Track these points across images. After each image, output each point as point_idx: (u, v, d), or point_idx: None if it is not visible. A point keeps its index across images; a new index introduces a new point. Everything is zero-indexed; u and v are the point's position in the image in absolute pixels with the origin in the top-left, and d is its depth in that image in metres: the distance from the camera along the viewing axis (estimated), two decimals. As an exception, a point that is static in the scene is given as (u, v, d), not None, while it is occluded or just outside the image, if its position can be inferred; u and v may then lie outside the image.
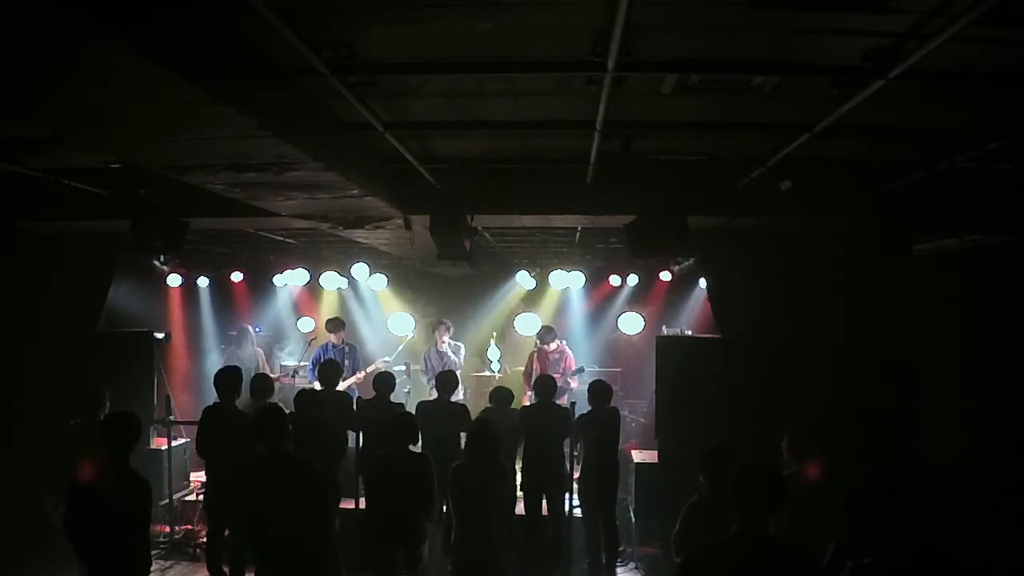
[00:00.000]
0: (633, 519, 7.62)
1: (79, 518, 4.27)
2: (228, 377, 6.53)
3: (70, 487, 4.33)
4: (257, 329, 11.31)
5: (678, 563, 3.55)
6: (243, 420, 6.01)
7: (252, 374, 8.55)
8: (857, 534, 3.13)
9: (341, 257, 11.53)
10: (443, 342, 9.78)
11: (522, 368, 10.12)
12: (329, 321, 9.84)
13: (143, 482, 4.31)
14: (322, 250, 11.09)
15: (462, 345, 10.07)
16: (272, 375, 8.89)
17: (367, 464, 5.88)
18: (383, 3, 3.25)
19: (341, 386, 7.77)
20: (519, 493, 6.77)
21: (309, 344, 10.53)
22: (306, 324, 11.98)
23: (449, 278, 12.29)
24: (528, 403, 8.55)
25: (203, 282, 11.83)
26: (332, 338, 9.57)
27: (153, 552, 6.33)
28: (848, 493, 3.22)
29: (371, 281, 11.96)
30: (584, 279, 11.76)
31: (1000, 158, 5.37)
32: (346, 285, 12.29)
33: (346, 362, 9.03)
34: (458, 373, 9.53)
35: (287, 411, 5.37)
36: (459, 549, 5.45)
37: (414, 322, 11.58)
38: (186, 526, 7.79)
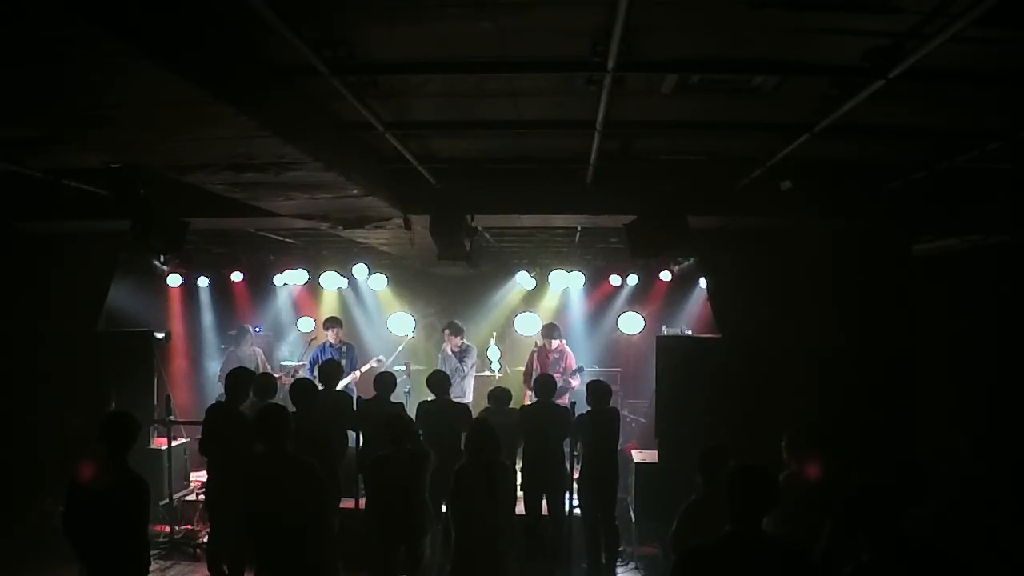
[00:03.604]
0: (633, 519, 7.62)
1: (78, 518, 4.28)
2: (239, 378, 6.53)
3: (69, 487, 4.33)
4: (257, 329, 11.31)
5: (673, 562, 3.55)
6: (246, 419, 6.01)
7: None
8: (853, 533, 3.13)
9: (341, 257, 11.53)
10: (449, 346, 9.65)
11: (522, 368, 10.11)
12: (327, 320, 9.86)
13: (142, 482, 4.31)
14: (322, 250, 11.09)
15: (473, 347, 9.86)
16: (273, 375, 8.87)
17: (367, 464, 5.88)
18: (383, 3, 3.25)
19: (339, 385, 7.75)
20: (519, 493, 6.77)
21: (309, 344, 10.54)
22: (306, 324, 11.99)
23: (449, 278, 12.29)
24: (528, 403, 8.55)
25: (203, 282, 11.85)
26: (329, 336, 9.59)
27: (153, 552, 6.34)
28: (846, 493, 3.23)
29: (371, 281, 11.96)
30: (584, 279, 11.77)
31: (1000, 158, 5.37)
32: (346, 285, 12.30)
33: (343, 361, 9.03)
34: (467, 378, 9.50)
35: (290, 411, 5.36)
36: (459, 549, 5.45)
37: (414, 322, 11.59)
38: (186, 526, 7.79)
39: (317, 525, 4.83)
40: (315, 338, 10.68)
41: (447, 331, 9.73)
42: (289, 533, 4.61)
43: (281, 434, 4.77)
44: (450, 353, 9.59)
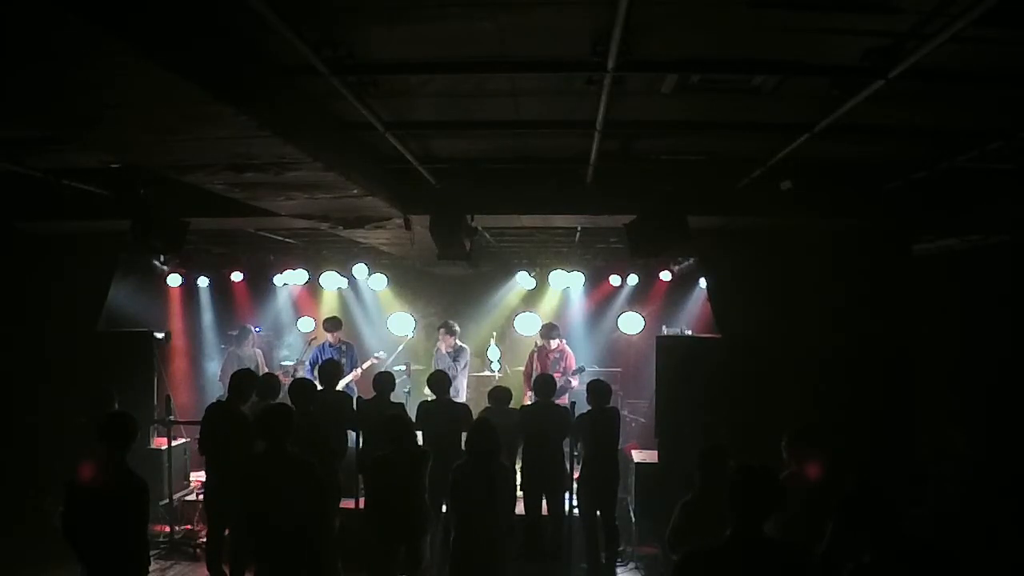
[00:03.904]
0: (633, 519, 7.62)
1: (78, 518, 4.28)
2: (244, 379, 6.54)
3: (69, 487, 4.33)
4: (257, 329, 11.31)
5: (674, 562, 3.55)
6: (246, 419, 6.01)
7: (253, 373, 8.54)
8: (852, 534, 3.13)
9: (341, 257, 11.54)
10: (444, 346, 9.61)
11: (522, 368, 10.11)
12: (327, 320, 9.87)
13: (141, 481, 4.31)
14: (322, 250, 11.10)
15: (466, 348, 9.81)
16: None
17: (367, 464, 5.89)
18: (383, 3, 3.25)
19: (339, 385, 7.75)
20: (519, 493, 6.76)
21: (309, 344, 10.55)
22: (306, 324, 11.99)
23: (449, 278, 12.29)
24: (528, 403, 8.54)
25: (203, 282, 11.86)
26: (329, 337, 9.61)
27: (153, 552, 6.34)
28: (846, 493, 3.23)
29: (371, 281, 11.97)
30: (584, 279, 11.77)
31: (1000, 158, 5.37)
32: (346, 285, 12.31)
33: (343, 360, 9.04)
34: (459, 378, 9.44)
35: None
36: (459, 549, 5.45)
37: (414, 322, 11.59)
38: (186, 526, 7.78)
39: (317, 525, 4.83)
40: (315, 338, 10.68)
41: (442, 330, 9.71)
42: (288, 533, 4.61)
43: (281, 434, 4.77)
44: (444, 353, 9.58)
